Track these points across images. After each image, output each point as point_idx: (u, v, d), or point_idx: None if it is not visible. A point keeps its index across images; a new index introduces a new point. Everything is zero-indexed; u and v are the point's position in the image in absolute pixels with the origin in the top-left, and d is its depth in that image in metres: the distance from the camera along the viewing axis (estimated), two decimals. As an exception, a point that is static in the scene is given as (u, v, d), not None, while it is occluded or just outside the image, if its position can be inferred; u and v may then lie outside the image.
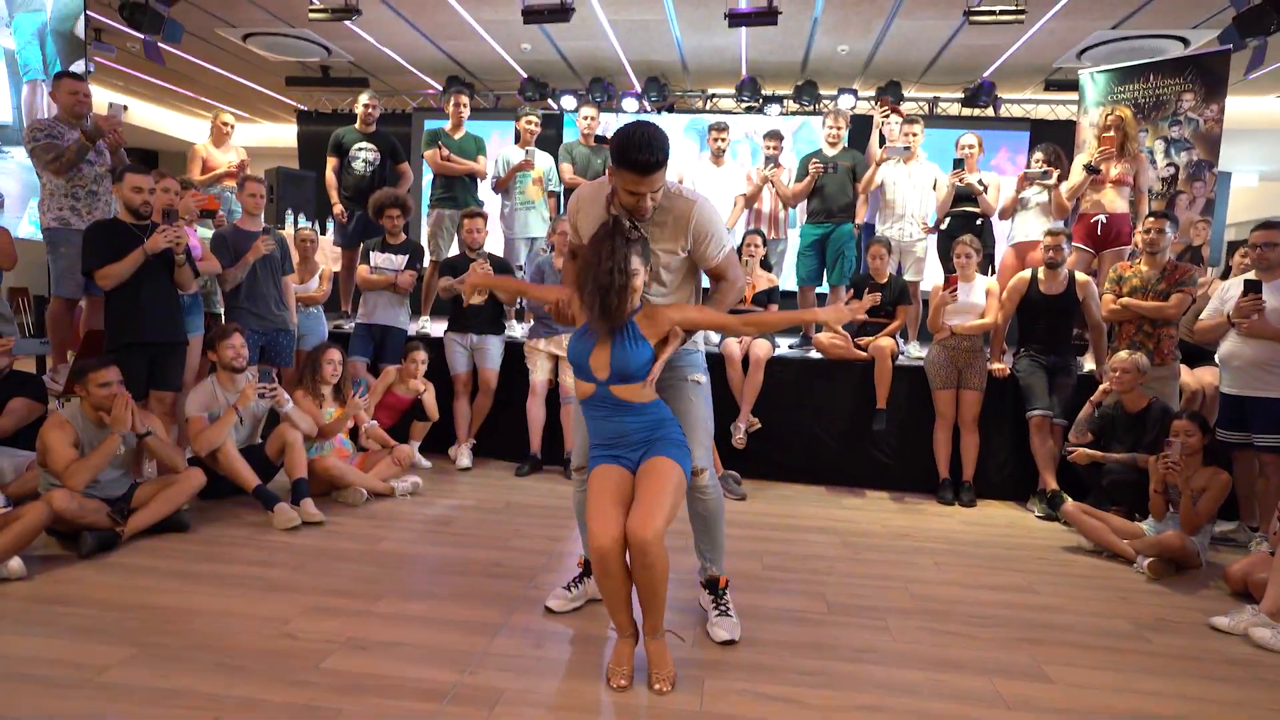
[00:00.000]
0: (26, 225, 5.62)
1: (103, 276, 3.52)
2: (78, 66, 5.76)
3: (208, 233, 4.61)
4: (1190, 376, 4.51)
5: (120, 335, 3.61)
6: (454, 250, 5.46)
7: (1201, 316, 3.99)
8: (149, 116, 11.50)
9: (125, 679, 2.16)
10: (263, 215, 4.46)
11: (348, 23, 6.70)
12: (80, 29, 5.88)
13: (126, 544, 3.17)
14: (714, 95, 9.74)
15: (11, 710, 2.00)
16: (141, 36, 6.82)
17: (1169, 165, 5.75)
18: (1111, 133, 4.84)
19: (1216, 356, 3.97)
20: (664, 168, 2.28)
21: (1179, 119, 5.68)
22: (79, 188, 4.19)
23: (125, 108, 4.42)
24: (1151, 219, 4.20)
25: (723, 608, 2.58)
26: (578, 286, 2.28)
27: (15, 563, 2.76)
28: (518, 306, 5.37)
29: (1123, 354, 3.93)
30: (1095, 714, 2.20)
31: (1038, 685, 2.36)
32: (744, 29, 6.67)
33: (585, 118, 5.67)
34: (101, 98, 4.42)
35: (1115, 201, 4.87)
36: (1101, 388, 4.07)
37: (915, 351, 5.20)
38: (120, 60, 8.59)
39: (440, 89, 9.75)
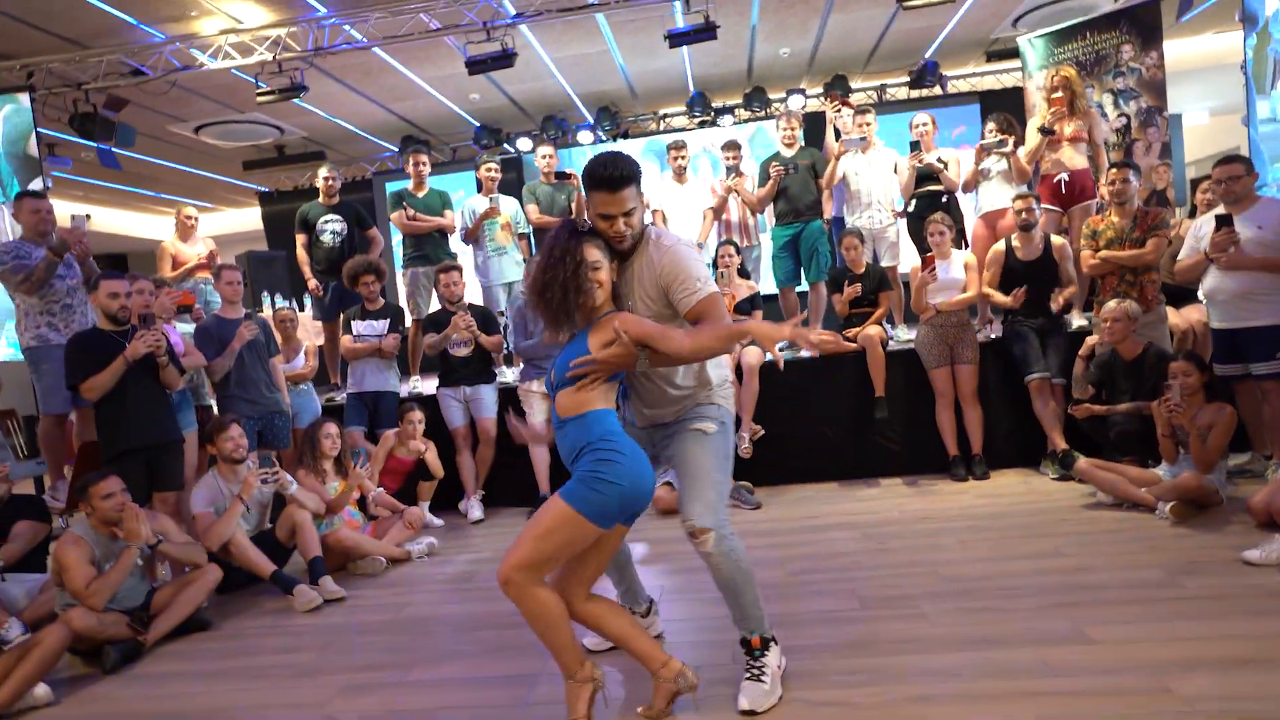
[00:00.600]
0: (5, 347, 5.61)
1: (87, 389, 3.51)
2: (36, 184, 5.79)
3: (187, 328, 4.60)
4: (1178, 317, 4.56)
5: (114, 444, 3.60)
6: (434, 306, 5.47)
7: (1179, 257, 4.04)
8: (113, 221, 11.53)
9: (169, 790, 2.13)
10: (241, 302, 4.46)
11: (296, 100, 6.77)
12: (33, 147, 5.92)
13: (151, 651, 3.13)
14: (666, 115, 9.88)
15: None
16: (95, 145, 6.87)
17: (1120, 116, 5.86)
18: (1059, 93, 4.94)
19: (1201, 293, 4.02)
20: (632, 184, 2.17)
21: (1121, 70, 5.81)
22: (53, 303, 4.19)
23: (88, 217, 4.44)
24: (1115, 170, 4.27)
25: (753, 671, 2.25)
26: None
27: (41, 689, 2.72)
28: (505, 351, 5.38)
29: (1111, 304, 3.97)
30: (1143, 668, 2.20)
31: (1082, 648, 2.35)
32: (685, 47, 6.78)
33: (544, 156, 5.73)
34: (63, 210, 4.44)
35: (1074, 158, 4.95)
36: (1088, 340, 4.11)
37: (903, 335, 5.24)
38: (77, 170, 8.63)
39: (397, 150, 9.84)
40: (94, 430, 3.82)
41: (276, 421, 4.45)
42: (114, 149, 6.98)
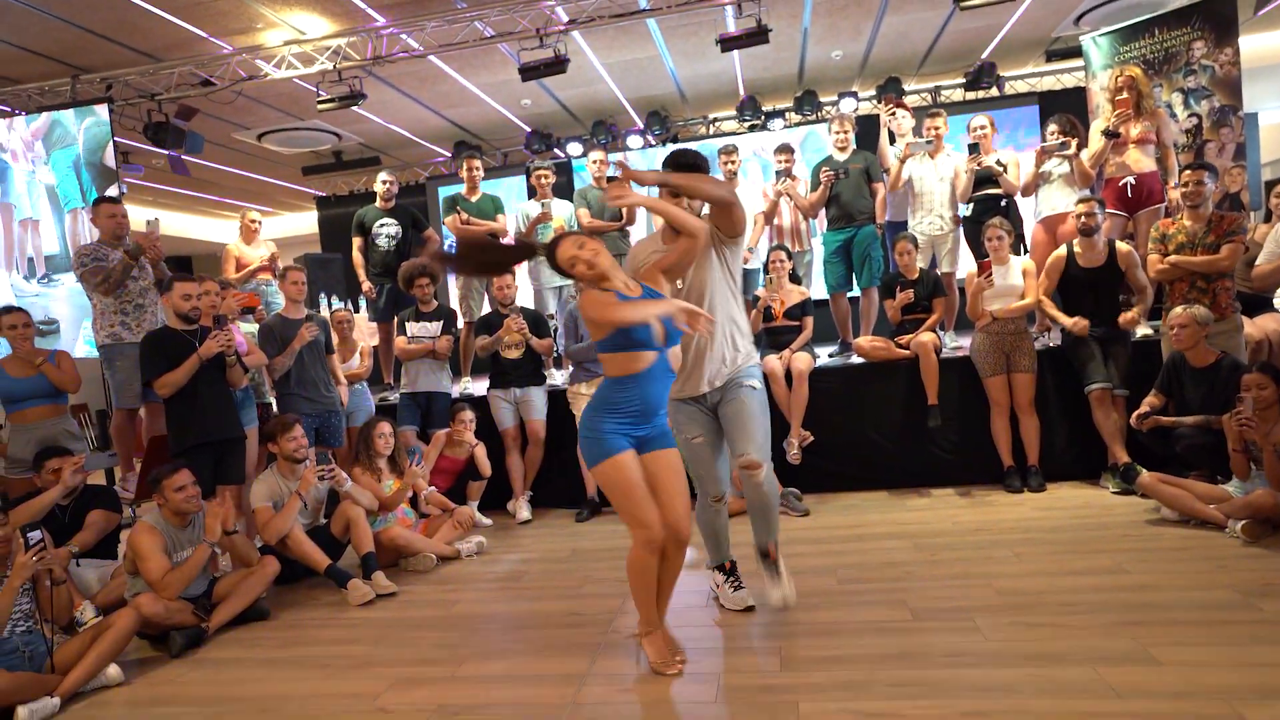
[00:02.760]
0: (82, 345, 5.90)
1: (161, 385, 3.68)
2: (112, 191, 6.08)
3: (250, 328, 4.78)
4: (1253, 326, 4.36)
5: (184, 438, 3.76)
6: (486, 309, 5.57)
7: (1258, 262, 3.87)
8: (178, 225, 12.03)
9: (231, 773, 2.21)
10: (304, 302, 4.61)
11: (354, 108, 6.97)
12: (110, 156, 6.23)
13: (213, 638, 3.26)
14: (716, 119, 9.86)
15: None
16: (166, 153, 7.19)
17: (1191, 116, 5.63)
18: (1124, 94, 4.78)
19: (1278, 302, 3.84)
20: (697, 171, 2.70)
21: (1193, 68, 5.58)
22: (127, 304, 4.39)
23: (158, 220, 4.65)
24: (1188, 171, 4.11)
25: (776, 574, 2.87)
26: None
27: (113, 670, 2.86)
28: (556, 354, 5.44)
29: (1177, 310, 3.82)
30: (1215, 694, 2.11)
31: (1147, 669, 2.27)
32: (736, 51, 6.77)
33: (594, 161, 5.79)
34: (135, 215, 4.66)
35: (1141, 161, 4.79)
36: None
37: (953, 342, 5.13)
38: (147, 176, 9.05)
39: (449, 155, 10.04)
40: (163, 425, 3.99)
41: (332, 420, 4.58)
42: (184, 156, 7.28)
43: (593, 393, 4.64)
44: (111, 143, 6.27)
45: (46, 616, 2.87)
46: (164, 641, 3.15)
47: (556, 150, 9.62)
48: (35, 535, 2.72)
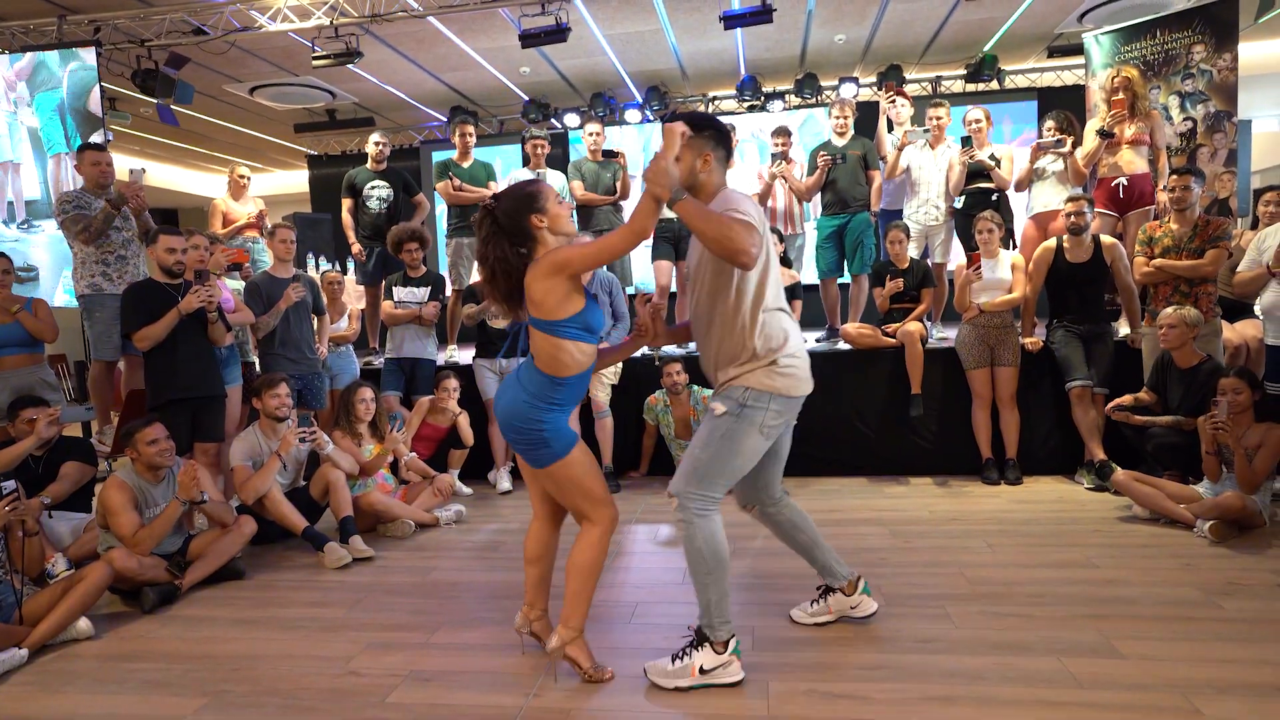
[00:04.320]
0: (61, 294, 5.79)
1: (140, 338, 3.61)
2: (97, 137, 5.93)
3: (236, 285, 4.70)
4: (1232, 332, 4.41)
5: (161, 393, 3.70)
6: (475, 277, 5.51)
7: (1239, 269, 3.90)
8: (166, 177, 11.79)
9: (200, 729, 2.20)
10: (293, 261, 4.54)
11: (350, 66, 6.81)
12: (95, 102, 6.06)
13: (186, 596, 3.23)
14: (715, 98, 9.76)
15: (95, 769, 2.04)
16: (155, 101, 7.01)
17: (1186, 119, 5.63)
18: (1120, 95, 4.77)
19: (1258, 308, 3.88)
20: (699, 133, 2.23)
21: (1191, 72, 5.57)
22: (108, 254, 4.30)
23: (144, 171, 4.54)
24: (1175, 176, 4.12)
25: (675, 652, 2.31)
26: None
27: (83, 623, 2.83)
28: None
29: (1168, 310, 3.84)
30: (1173, 686, 2.15)
31: (1110, 662, 2.31)
32: (739, 29, 6.67)
33: (591, 134, 5.71)
34: (120, 164, 4.55)
35: (1134, 162, 4.79)
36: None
37: (939, 333, 5.14)
38: (135, 125, 8.83)
39: (445, 120, 9.88)
40: (141, 379, 3.93)
41: (315, 382, 4.53)
42: (173, 106, 7.11)
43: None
44: (98, 88, 6.10)
45: (17, 568, 2.83)
46: (136, 597, 3.12)
47: (553, 120, 9.49)
48: (8, 485, 2.68)
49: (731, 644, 2.28)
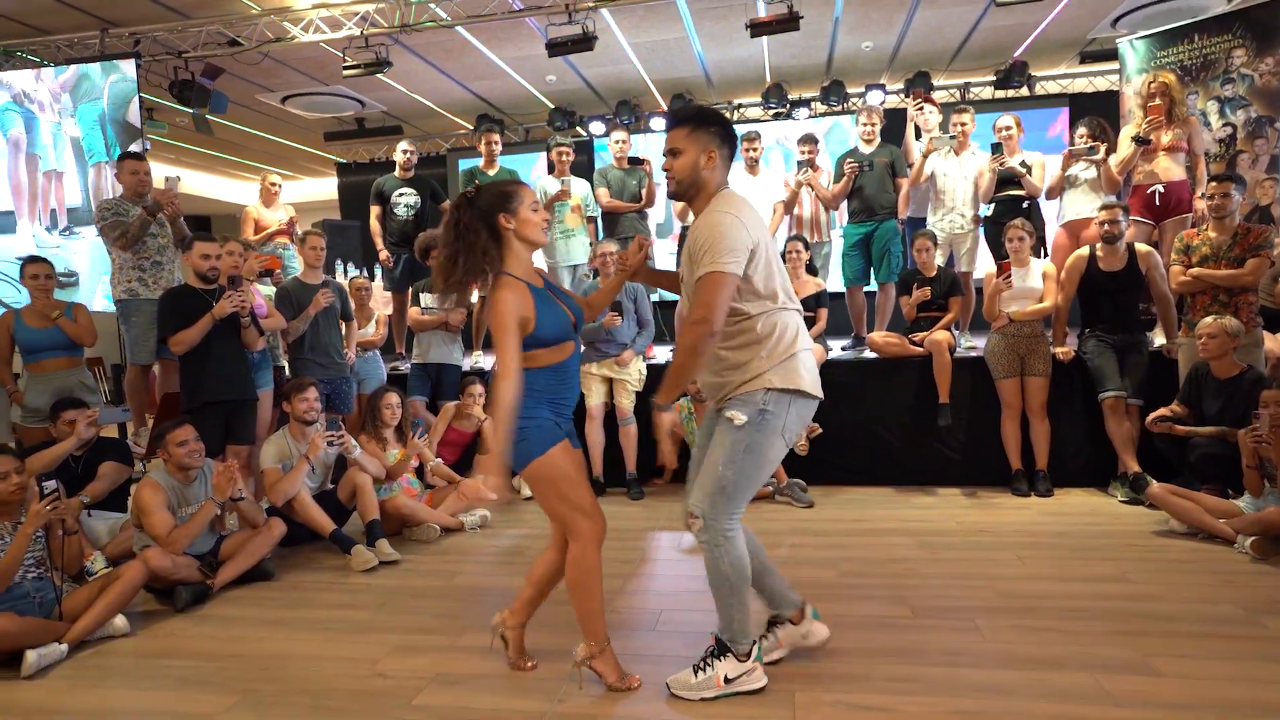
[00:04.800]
0: (100, 299, 5.93)
1: (175, 343, 3.69)
2: (136, 146, 6.08)
3: (269, 290, 4.78)
4: (1274, 342, 4.31)
5: (195, 396, 3.78)
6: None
7: (1281, 278, 3.81)
8: (199, 185, 12.04)
9: (231, 727, 2.23)
10: (322, 268, 4.61)
11: (379, 75, 6.93)
12: (134, 112, 6.22)
13: (217, 595, 3.29)
14: (740, 105, 9.76)
15: (130, 764, 2.08)
16: (191, 111, 7.18)
17: (1225, 125, 5.52)
18: (1157, 100, 4.69)
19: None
20: (682, 126, 2.19)
21: (1231, 77, 5.46)
22: (144, 260, 4.40)
23: (179, 179, 4.65)
24: (1214, 183, 4.04)
25: (697, 663, 2.27)
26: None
27: (120, 620, 2.89)
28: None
29: (1208, 320, 3.76)
30: (1212, 706, 2.10)
31: (1146, 679, 2.26)
32: (765, 37, 6.68)
33: (616, 141, 5.74)
34: (157, 172, 4.66)
35: (1171, 169, 4.71)
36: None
37: (966, 342, 5.08)
38: (171, 134, 9.05)
39: (471, 128, 9.99)
40: (176, 382, 4.01)
41: (343, 387, 4.60)
42: (207, 115, 7.27)
43: (604, 373, 4.69)
44: (137, 99, 6.26)
45: (57, 565, 2.90)
46: (170, 596, 3.18)
47: (579, 129, 9.55)
48: (50, 484, 2.75)
49: (754, 650, 2.25)
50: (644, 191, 5.61)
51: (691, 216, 2.17)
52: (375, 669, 2.55)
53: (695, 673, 2.25)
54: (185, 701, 2.39)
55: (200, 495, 3.37)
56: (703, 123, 2.19)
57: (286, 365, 4.68)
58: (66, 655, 2.71)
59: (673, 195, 2.26)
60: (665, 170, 2.23)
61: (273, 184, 5.90)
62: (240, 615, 3.10)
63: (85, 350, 4.31)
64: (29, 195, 6.24)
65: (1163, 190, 4.72)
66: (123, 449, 4.01)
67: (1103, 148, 4.71)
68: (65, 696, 2.47)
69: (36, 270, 4.12)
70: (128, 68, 6.26)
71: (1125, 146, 4.75)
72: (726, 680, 2.22)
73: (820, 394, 2.25)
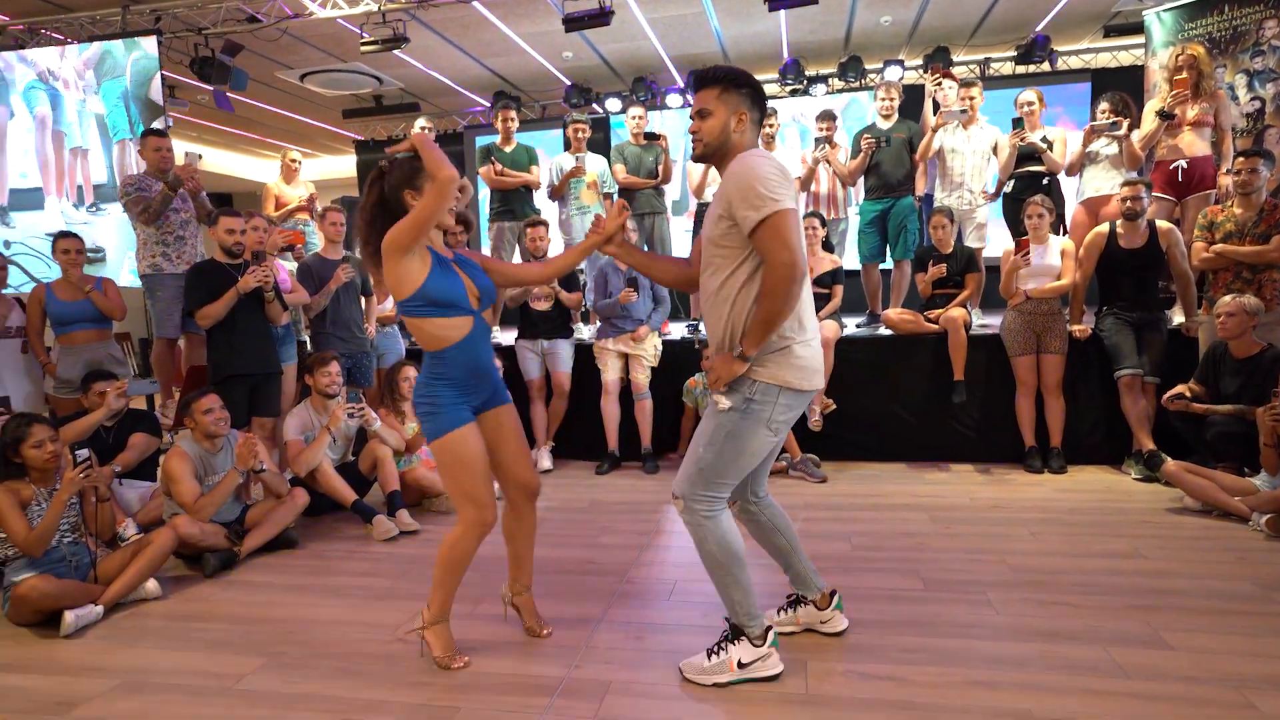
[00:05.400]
0: (126, 275, 6.00)
1: (202, 316, 3.74)
2: (159, 124, 6.10)
3: (291, 266, 4.81)
4: (1295, 321, 4.22)
5: (221, 369, 3.82)
6: (517, 259, 5.56)
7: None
8: (221, 162, 12.08)
9: (259, 686, 2.29)
10: (343, 243, 4.63)
11: (396, 51, 6.88)
12: (157, 90, 6.23)
13: (244, 562, 3.35)
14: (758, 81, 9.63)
15: (167, 718, 2.14)
16: (211, 88, 7.18)
17: (1254, 99, 5.37)
18: (1184, 74, 4.57)
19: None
20: (711, 86, 2.08)
21: (1261, 49, 5.29)
22: (168, 235, 4.44)
23: (200, 156, 4.66)
24: (1242, 158, 3.95)
25: (710, 647, 2.23)
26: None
27: (151, 584, 2.97)
28: (584, 309, 5.43)
29: (1226, 298, 3.70)
30: (1225, 680, 2.10)
31: (1158, 653, 2.26)
32: (783, 11, 6.56)
33: (634, 118, 5.69)
34: (178, 148, 4.68)
35: (1195, 144, 4.60)
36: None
37: (978, 319, 5.03)
38: (192, 112, 9.06)
39: (488, 105, 9.93)
40: (201, 355, 4.07)
41: (363, 361, 4.63)
42: (228, 92, 7.27)
43: (620, 349, 4.69)
44: (159, 76, 6.27)
45: (92, 530, 2.97)
46: (198, 562, 3.25)
47: (595, 105, 9.47)
48: (83, 453, 2.80)
49: (770, 635, 2.19)
50: (660, 167, 5.57)
51: (709, 193, 2.11)
52: (396, 634, 2.59)
53: (709, 656, 2.21)
54: (215, 662, 2.45)
55: (226, 464, 3.43)
56: (734, 84, 2.08)
57: (308, 339, 4.72)
58: (102, 616, 2.79)
59: (699, 158, 2.15)
60: (692, 133, 2.11)
61: (293, 161, 5.91)
62: (266, 581, 3.16)
63: (114, 324, 4.37)
64: (55, 172, 6.29)
65: (1186, 166, 4.62)
66: (151, 420, 4.08)
67: (1125, 123, 4.61)
68: (102, 655, 2.54)
69: (67, 245, 4.17)
70: (149, 45, 6.27)
71: (1149, 121, 4.64)
72: (740, 665, 2.17)
73: (815, 386, 2.11)
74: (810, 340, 2.11)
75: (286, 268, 4.60)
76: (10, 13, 6.56)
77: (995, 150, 5.07)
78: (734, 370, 2.04)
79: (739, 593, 2.16)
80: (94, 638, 2.68)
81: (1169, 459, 3.73)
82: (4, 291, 4.38)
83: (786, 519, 2.39)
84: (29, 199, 6.29)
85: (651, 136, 5.61)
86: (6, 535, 2.72)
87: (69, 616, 2.66)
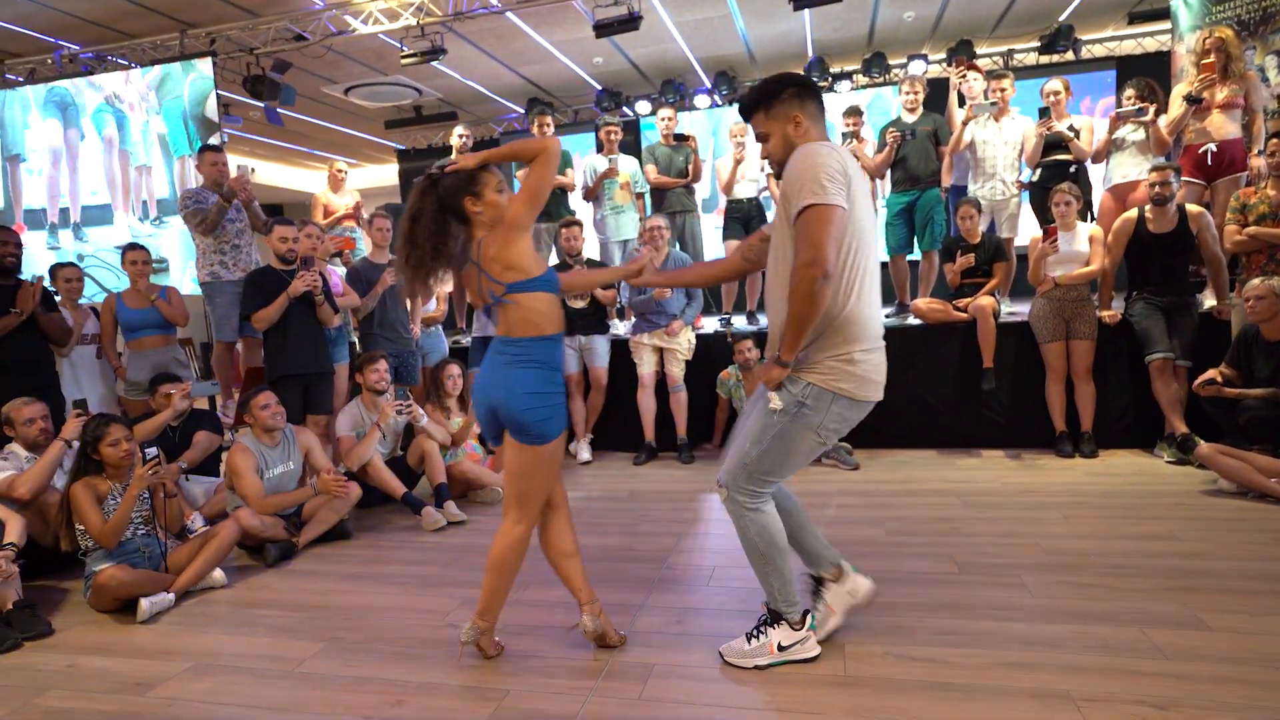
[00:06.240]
0: (188, 283, 6.16)
1: (257, 320, 3.82)
2: (215, 140, 6.25)
3: (341, 270, 4.89)
4: (1331, 302, 4.04)
5: (276, 369, 3.91)
6: (553, 260, 5.58)
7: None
8: (272, 175, 12.35)
9: (320, 669, 2.34)
10: (389, 248, 4.70)
11: (435, 63, 6.95)
12: (212, 108, 6.38)
13: (302, 552, 3.43)
14: (782, 80, 9.52)
15: (235, 697, 2.20)
16: (262, 105, 7.34)
17: (1285, 81, 5.16)
18: (1211, 57, 4.40)
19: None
20: (755, 111, 2.04)
21: (1292, 29, 5.08)
22: (224, 244, 4.54)
23: (253, 170, 4.77)
24: (1275, 139, 3.79)
25: (750, 631, 2.20)
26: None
27: (218, 573, 3.05)
28: (619, 305, 5.44)
29: (1255, 281, 3.56)
30: (1265, 661, 2.02)
31: (1196, 634, 2.19)
32: (807, 10, 6.47)
33: (663, 119, 5.66)
34: (232, 163, 4.80)
35: (1225, 127, 4.43)
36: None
37: (1008, 308, 4.91)
38: (245, 128, 9.27)
39: (523, 111, 9.98)
40: (258, 357, 4.16)
41: (409, 360, 4.69)
42: (278, 108, 7.42)
43: (655, 343, 4.68)
44: (214, 95, 6.42)
45: (161, 524, 3.06)
46: (260, 552, 3.33)
47: (625, 109, 9.46)
48: (152, 451, 2.88)
49: (808, 619, 2.17)
50: (690, 167, 5.54)
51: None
52: (447, 620, 2.62)
53: (749, 640, 2.18)
54: (278, 647, 2.50)
55: (284, 458, 3.51)
56: (772, 98, 2.03)
57: (357, 340, 4.80)
58: (174, 604, 2.87)
59: (780, 175, 2.04)
60: (764, 157, 2.11)
61: (339, 170, 6.01)
62: (323, 570, 3.23)
63: (178, 330, 4.49)
64: (123, 189, 6.49)
65: (1215, 149, 4.44)
66: (214, 419, 4.19)
67: (1151, 109, 4.45)
68: (176, 640, 2.62)
69: (135, 256, 4.29)
70: (205, 66, 6.42)
71: (1176, 106, 4.48)
72: (780, 648, 2.15)
73: (872, 398, 2.04)
74: (874, 349, 2.01)
75: (338, 272, 4.67)
76: (80, 40, 6.77)
77: (1024, 140, 4.94)
78: (773, 375, 1.98)
79: (779, 580, 2.13)
80: (167, 623, 2.76)
81: (1202, 442, 3.60)
82: (80, 302, 4.53)
83: (794, 499, 2.29)
84: (99, 215, 6.50)
85: (681, 138, 5.58)
86: (85, 528, 2.81)
87: (144, 604, 2.75)
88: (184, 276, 6.27)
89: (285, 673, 2.32)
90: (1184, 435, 3.86)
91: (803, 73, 8.66)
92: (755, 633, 2.19)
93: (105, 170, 6.49)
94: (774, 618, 2.17)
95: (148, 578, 2.83)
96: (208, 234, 4.48)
